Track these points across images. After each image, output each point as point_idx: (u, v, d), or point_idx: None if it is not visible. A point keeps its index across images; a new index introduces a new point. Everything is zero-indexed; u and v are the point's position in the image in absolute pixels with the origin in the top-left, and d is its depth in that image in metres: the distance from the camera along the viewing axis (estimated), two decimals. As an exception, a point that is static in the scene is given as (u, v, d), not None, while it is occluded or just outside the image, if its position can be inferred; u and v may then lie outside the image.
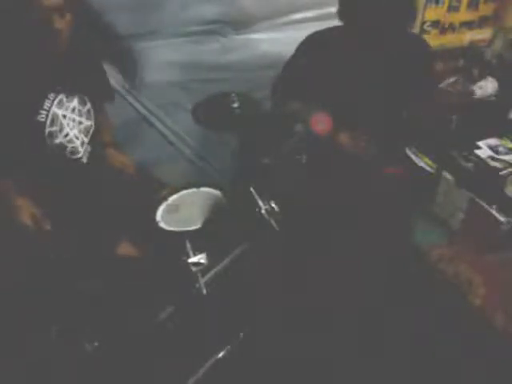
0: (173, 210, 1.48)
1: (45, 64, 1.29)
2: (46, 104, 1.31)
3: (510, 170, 1.60)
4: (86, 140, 1.45)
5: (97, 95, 1.50)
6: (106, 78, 1.58)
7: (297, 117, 1.73)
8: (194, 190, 1.57)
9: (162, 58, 2.05)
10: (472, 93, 2.22)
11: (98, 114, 1.51)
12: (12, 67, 1.25)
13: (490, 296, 1.41)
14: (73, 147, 1.40)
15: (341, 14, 1.59)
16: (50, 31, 1.21)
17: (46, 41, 1.24)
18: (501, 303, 1.40)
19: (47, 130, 1.32)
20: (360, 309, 1.62)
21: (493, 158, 1.66)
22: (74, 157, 1.42)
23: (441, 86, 2.33)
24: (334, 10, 1.66)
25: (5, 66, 1.25)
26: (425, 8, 2.41)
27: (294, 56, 1.78)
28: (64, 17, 1.22)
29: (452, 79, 2.43)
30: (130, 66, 1.70)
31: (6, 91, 1.24)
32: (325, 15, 2.18)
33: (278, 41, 2.20)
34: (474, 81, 2.36)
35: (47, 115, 1.31)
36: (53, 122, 1.33)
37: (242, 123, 1.57)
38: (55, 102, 1.33)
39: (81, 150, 1.43)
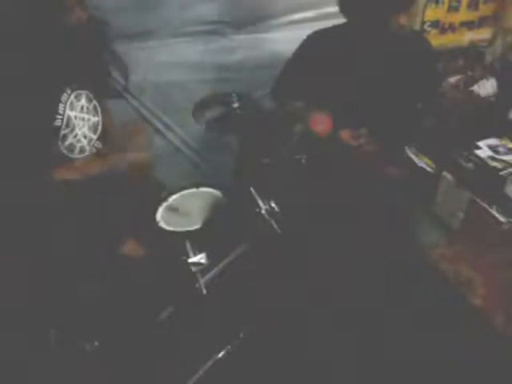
0: (173, 210, 1.49)
1: (57, 66, 1.28)
2: (61, 108, 1.31)
3: (510, 170, 1.59)
4: (95, 137, 1.45)
5: (102, 92, 1.50)
6: (108, 76, 1.57)
7: (297, 116, 1.73)
8: (194, 190, 1.58)
9: (162, 58, 2.05)
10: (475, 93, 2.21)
11: (104, 111, 1.51)
12: (27, 74, 1.23)
13: (490, 296, 1.41)
14: (81, 146, 1.40)
15: (343, 12, 1.60)
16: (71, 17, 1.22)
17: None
18: (501, 303, 1.39)
19: (62, 132, 1.32)
20: (360, 308, 1.62)
21: (493, 158, 1.66)
22: (81, 156, 1.42)
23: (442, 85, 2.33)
24: (333, 9, 1.67)
25: (20, 74, 1.23)
26: (425, 8, 2.41)
27: (294, 55, 1.78)
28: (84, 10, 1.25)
29: (452, 79, 2.43)
30: (129, 67, 1.70)
31: (24, 98, 1.22)
32: (325, 15, 2.18)
33: (278, 41, 2.20)
34: (474, 81, 2.37)
35: (62, 119, 1.31)
36: (67, 125, 1.33)
37: (242, 123, 1.57)
38: (68, 104, 1.33)
39: (87, 148, 1.43)
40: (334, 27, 1.71)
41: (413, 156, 1.75)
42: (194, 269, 1.31)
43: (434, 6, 2.43)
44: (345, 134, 1.70)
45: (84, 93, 1.40)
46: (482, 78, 2.34)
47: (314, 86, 1.67)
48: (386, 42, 1.63)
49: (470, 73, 2.45)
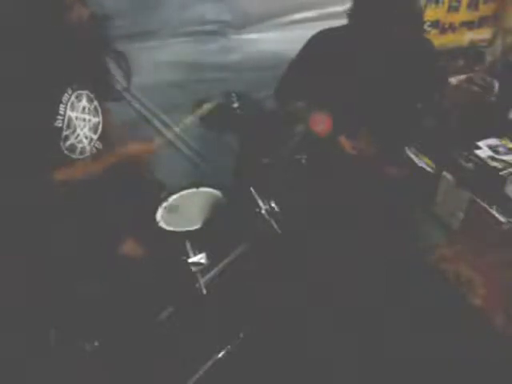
0: (173, 210, 1.49)
1: (57, 66, 1.28)
2: (61, 108, 1.31)
3: (510, 169, 1.60)
4: (95, 137, 1.45)
5: (102, 92, 1.49)
6: (109, 76, 1.57)
7: (298, 117, 1.73)
8: (194, 190, 1.58)
9: (162, 58, 2.05)
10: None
11: (104, 111, 1.50)
12: (28, 74, 1.22)
13: (490, 296, 1.41)
14: (82, 147, 1.40)
15: (351, 16, 1.59)
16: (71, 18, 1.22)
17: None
18: (501, 303, 1.40)
19: (63, 133, 1.32)
20: (360, 308, 1.62)
21: (493, 158, 1.66)
22: (82, 156, 1.41)
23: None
24: (334, 9, 1.67)
25: (20, 74, 1.21)
26: (425, 8, 2.41)
27: (299, 55, 1.77)
28: (85, 7, 1.24)
29: (452, 79, 2.43)
30: (129, 67, 1.71)
31: (24, 99, 1.22)
32: (325, 15, 2.18)
33: (279, 41, 2.20)
34: (474, 81, 2.37)
35: (63, 120, 1.31)
36: (68, 126, 1.33)
37: (242, 123, 1.57)
38: (68, 105, 1.33)
39: (88, 148, 1.43)
40: (337, 28, 1.71)
41: (413, 156, 1.75)
42: (193, 269, 1.31)
43: (433, 6, 2.43)
44: (345, 144, 1.70)
45: (85, 93, 1.40)
46: (482, 78, 2.34)
47: (317, 86, 1.67)
48: (388, 42, 1.63)
49: (469, 73, 2.45)
